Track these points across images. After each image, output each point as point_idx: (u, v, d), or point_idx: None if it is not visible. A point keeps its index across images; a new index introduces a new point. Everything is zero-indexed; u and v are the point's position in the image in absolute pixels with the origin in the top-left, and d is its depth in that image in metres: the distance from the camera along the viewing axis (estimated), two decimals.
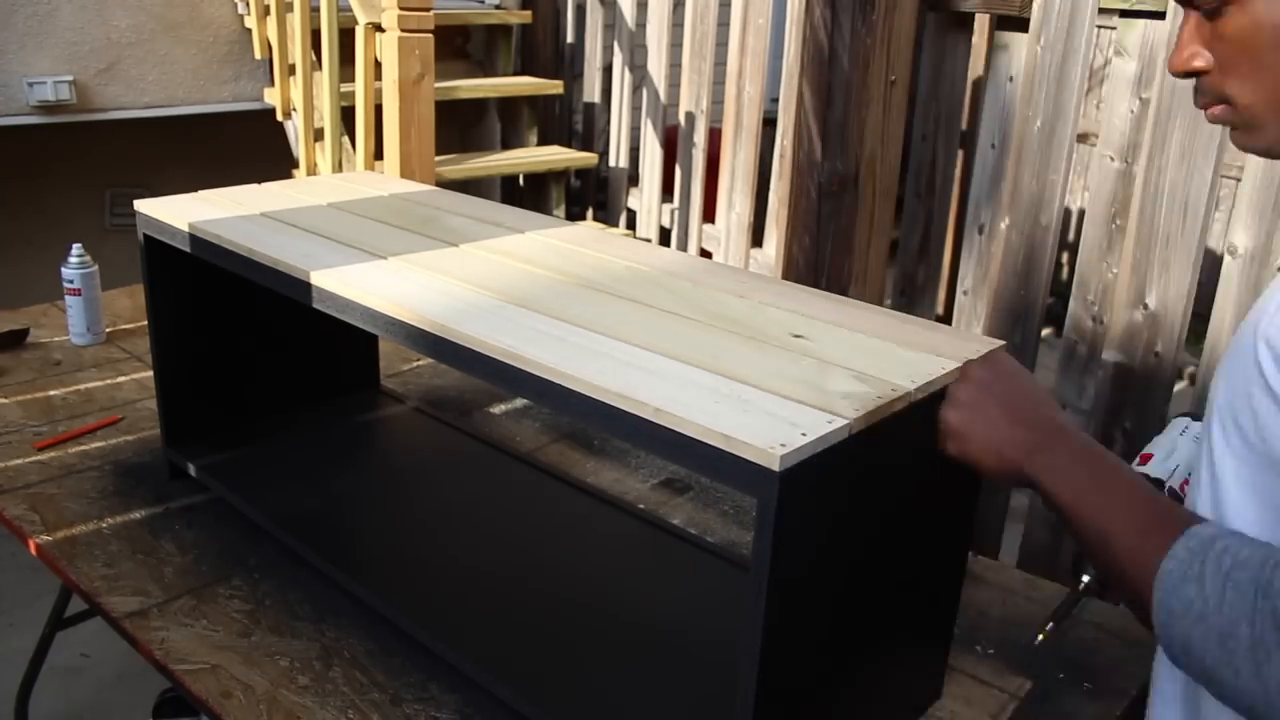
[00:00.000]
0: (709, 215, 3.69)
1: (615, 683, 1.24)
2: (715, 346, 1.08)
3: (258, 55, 3.89)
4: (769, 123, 3.32)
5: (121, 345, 2.21)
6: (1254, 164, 1.82)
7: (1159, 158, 1.89)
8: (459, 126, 4.27)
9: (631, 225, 4.07)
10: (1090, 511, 0.88)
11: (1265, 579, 0.72)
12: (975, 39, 2.82)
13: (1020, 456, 0.94)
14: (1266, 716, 0.73)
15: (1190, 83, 0.84)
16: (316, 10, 3.21)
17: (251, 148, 4.02)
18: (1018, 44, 2.37)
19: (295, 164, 3.70)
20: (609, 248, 1.43)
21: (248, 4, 3.79)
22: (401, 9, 2.85)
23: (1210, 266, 1.92)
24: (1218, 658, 0.74)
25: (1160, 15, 1.91)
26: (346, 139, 3.42)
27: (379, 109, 3.14)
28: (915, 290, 2.84)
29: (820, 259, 2.59)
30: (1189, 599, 0.76)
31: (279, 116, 3.76)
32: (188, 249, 1.48)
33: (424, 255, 1.36)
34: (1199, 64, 0.83)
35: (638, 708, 1.20)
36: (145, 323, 1.67)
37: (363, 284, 1.23)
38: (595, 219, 4.13)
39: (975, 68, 3.17)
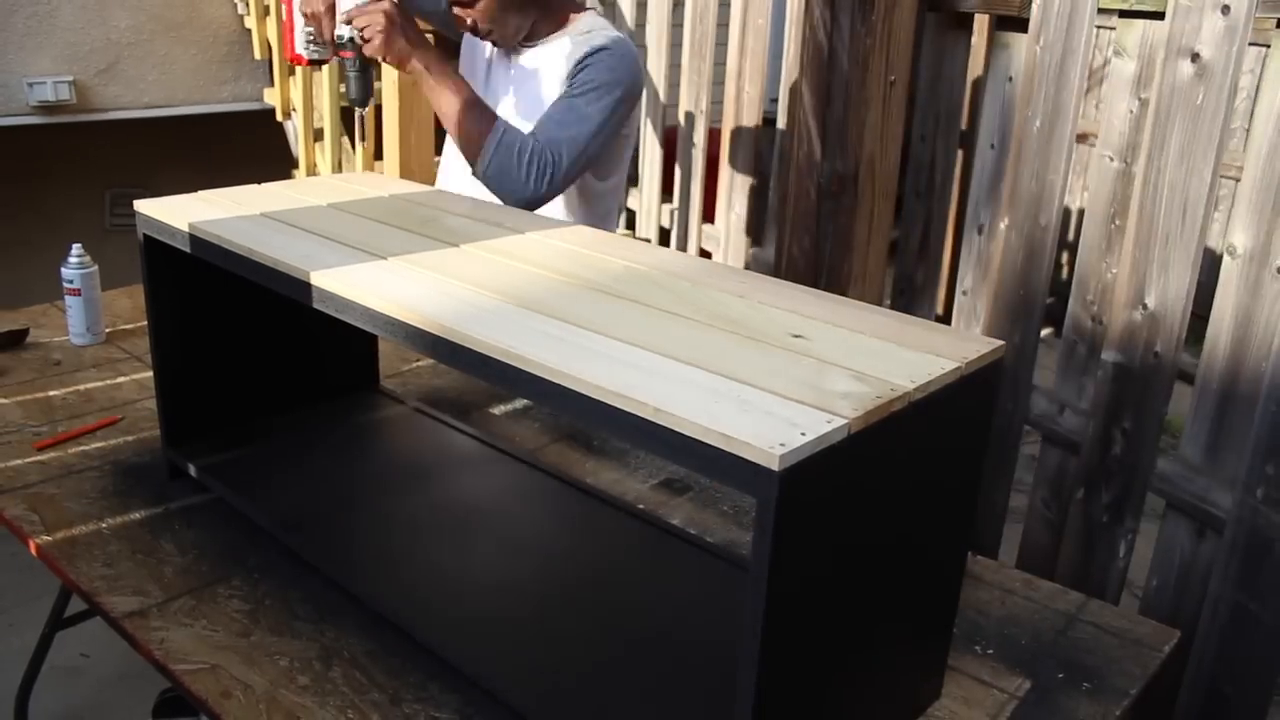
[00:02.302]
0: (708, 215, 3.69)
1: (615, 683, 1.24)
2: (715, 346, 1.08)
3: (257, 55, 3.89)
4: (768, 123, 3.32)
5: (121, 345, 2.21)
6: (1253, 164, 1.82)
7: (1158, 158, 1.89)
8: None
9: (631, 225, 4.07)
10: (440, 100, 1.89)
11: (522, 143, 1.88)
12: (975, 39, 2.81)
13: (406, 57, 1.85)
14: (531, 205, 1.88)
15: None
16: None
17: (251, 148, 4.02)
18: (1017, 44, 2.37)
19: (295, 164, 3.70)
20: (608, 248, 1.43)
21: (247, 4, 3.79)
22: None
23: (1210, 267, 1.91)
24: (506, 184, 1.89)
25: (1160, 15, 1.91)
26: (346, 139, 3.42)
27: (379, 109, 3.14)
28: (914, 290, 2.84)
29: (820, 259, 2.59)
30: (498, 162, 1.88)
31: (278, 116, 3.76)
32: (187, 249, 1.48)
33: (424, 255, 1.36)
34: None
35: (637, 708, 1.20)
36: (145, 323, 1.67)
37: (362, 284, 1.23)
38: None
39: (975, 68, 3.17)
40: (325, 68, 3.18)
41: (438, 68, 1.87)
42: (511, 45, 2.08)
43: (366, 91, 1.95)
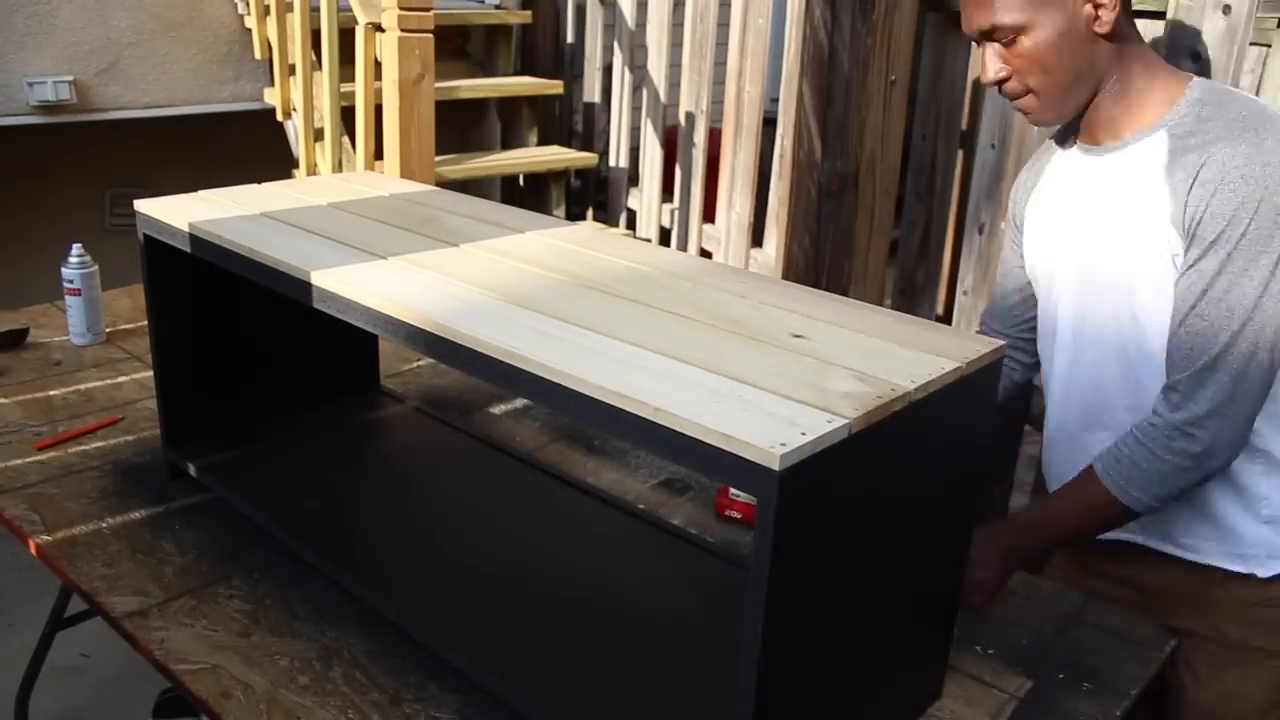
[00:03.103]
0: (709, 215, 3.69)
1: (615, 682, 1.24)
2: (715, 346, 1.08)
3: (258, 55, 3.89)
4: (769, 123, 3.32)
5: (121, 345, 2.21)
6: None
7: None
8: (459, 126, 4.27)
9: (631, 225, 4.07)
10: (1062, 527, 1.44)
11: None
12: None
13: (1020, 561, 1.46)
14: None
15: None
16: (316, 10, 3.21)
17: (251, 148, 4.02)
18: None
19: (295, 164, 3.70)
20: (609, 248, 1.43)
21: (248, 4, 3.79)
22: (401, 9, 2.85)
23: None
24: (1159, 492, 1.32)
25: (1160, 15, 1.91)
26: (346, 139, 3.43)
27: (379, 109, 3.14)
28: (915, 290, 2.84)
29: (820, 259, 2.59)
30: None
31: (279, 116, 3.76)
32: (188, 249, 1.48)
33: (424, 255, 1.36)
34: (1004, 74, 1.35)
35: (638, 707, 1.20)
36: (145, 323, 1.67)
37: (363, 284, 1.23)
38: (595, 219, 4.13)
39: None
40: (325, 68, 3.18)
41: (1047, 529, 1.45)
42: (1061, 120, 1.43)
43: None
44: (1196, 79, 1.33)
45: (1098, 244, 1.38)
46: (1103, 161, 1.38)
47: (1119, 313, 1.37)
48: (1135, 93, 1.34)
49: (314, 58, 3.38)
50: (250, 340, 1.76)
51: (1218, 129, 1.26)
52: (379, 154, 3.24)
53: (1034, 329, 1.56)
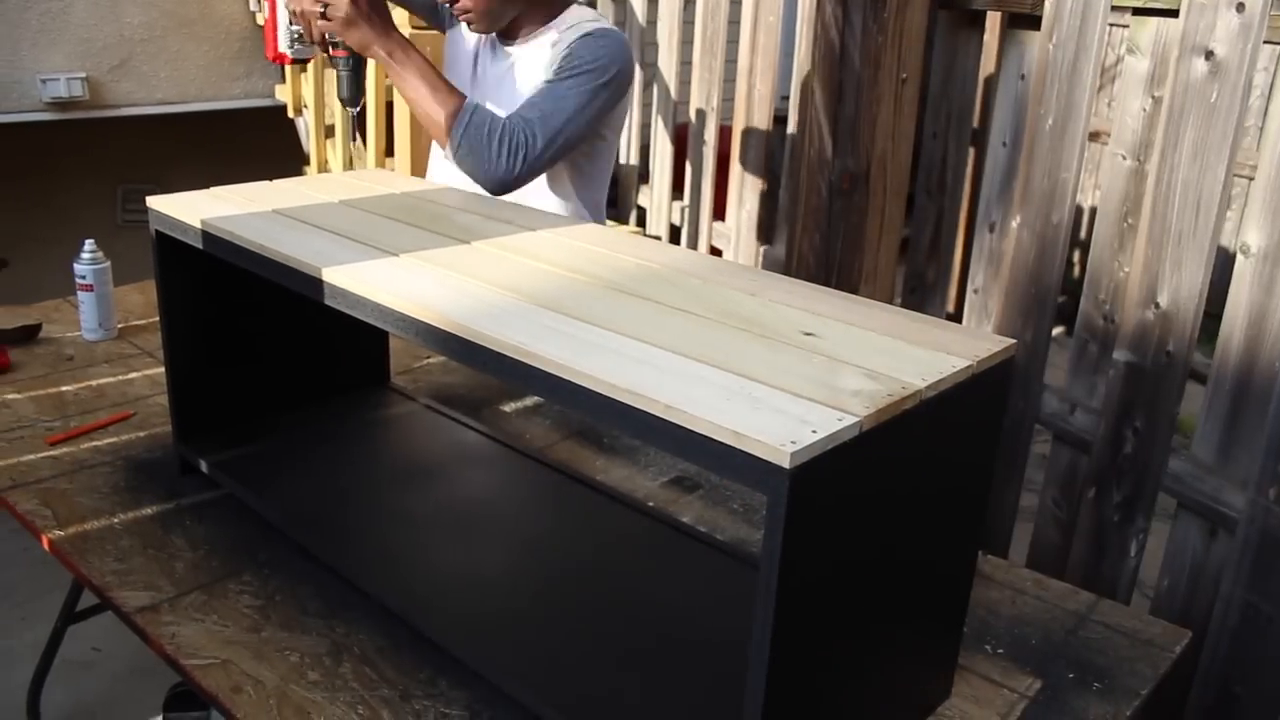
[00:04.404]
0: (719, 213, 3.69)
1: (624, 680, 1.24)
2: (726, 344, 1.08)
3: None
4: (780, 120, 3.32)
5: (133, 341, 2.21)
6: (1267, 163, 1.81)
7: (1171, 156, 1.88)
8: None
9: (642, 223, 4.07)
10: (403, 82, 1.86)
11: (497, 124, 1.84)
12: (987, 36, 2.81)
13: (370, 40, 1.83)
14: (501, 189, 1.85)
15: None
16: None
17: (262, 144, 4.03)
18: (1029, 41, 2.36)
19: (306, 161, 3.71)
20: (619, 245, 1.43)
21: (259, 1, 3.79)
22: None
23: (1223, 265, 1.91)
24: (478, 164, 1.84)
25: (1174, 13, 1.90)
26: (358, 136, 3.42)
27: (390, 106, 3.14)
28: (926, 288, 2.83)
29: (831, 257, 2.58)
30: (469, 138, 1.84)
31: (290, 114, 3.77)
32: (200, 245, 1.48)
33: (435, 252, 1.36)
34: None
35: (647, 705, 1.20)
36: (157, 319, 1.67)
37: (374, 281, 1.23)
38: (606, 216, 4.13)
39: (987, 65, 3.16)
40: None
41: (401, 53, 1.84)
42: (492, 32, 2.05)
43: (358, 90, 1.94)
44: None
45: None
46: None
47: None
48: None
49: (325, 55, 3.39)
50: (261, 337, 1.77)
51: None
52: (390, 151, 3.24)
53: None
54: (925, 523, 1.10)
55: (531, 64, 2.02)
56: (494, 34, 2.08)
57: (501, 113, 1.93)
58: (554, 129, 1.86)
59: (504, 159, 1.82)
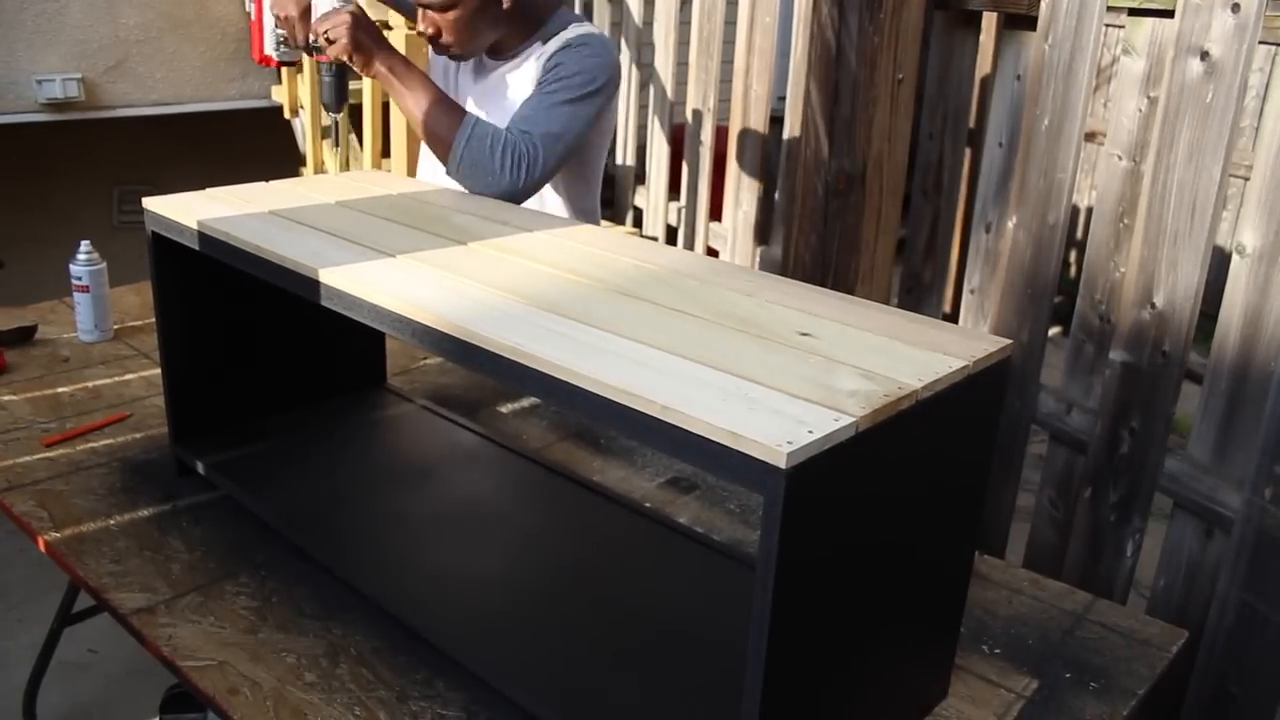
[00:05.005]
0: (716, 213, 3.69)
1: (621, 680, 1.24)
2: (722, 345, 1.08)
3: None
4: (776, 121, 3.32)
5: (129, 342, 2.21)
6: (1263, 163, 1.81)
7: (1167, 156, 1.88)
8: None
9: (638, 223, 4.07)
10: (408, 99, 1.85)
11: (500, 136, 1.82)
12: (983, 37, 2.81)
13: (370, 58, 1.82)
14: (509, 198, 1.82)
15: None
16: None
17: (259, 145, 4.03)
18: (1025, 42, 2.37)
19: (302, 162, 3.71)
20: (616, 246, 1.43)
21: (250, 2, 3.79)
22: None
23: (1218, 265, 1.91)
24: (481, 178, 1.82)
25: (1169, 14, 1.90)
26: (354, 137, 3.43)
27: (386, 107, 3.14)
28: (922, 289, 2.84)
29: (827, 257, 2.58)
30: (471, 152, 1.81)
31: (286, 114, 3.77)
32: (196, 246, 1.48)
33: (431, 253, 1.36)
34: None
35: (644, 705, 1.20)
36: (153, 320, 1.67)
37: (371, 282, 1.23)
38: (602, 217, 4.14)
39: (983, 66, 3.16)
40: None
41: (402, 69, 1.84)
42: (473, 57, 2.06)
43: (340, 97, 1.94)
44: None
45: None
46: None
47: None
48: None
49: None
50: (258, 338, 1.77)
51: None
52: (386, 152, 3.24)
53: None
54: (922, 523, 1.10)
55: (521, 78, 2.02)
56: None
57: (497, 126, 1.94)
58: (554, 139, 1.86)
59: (508, 172, 1.80)
